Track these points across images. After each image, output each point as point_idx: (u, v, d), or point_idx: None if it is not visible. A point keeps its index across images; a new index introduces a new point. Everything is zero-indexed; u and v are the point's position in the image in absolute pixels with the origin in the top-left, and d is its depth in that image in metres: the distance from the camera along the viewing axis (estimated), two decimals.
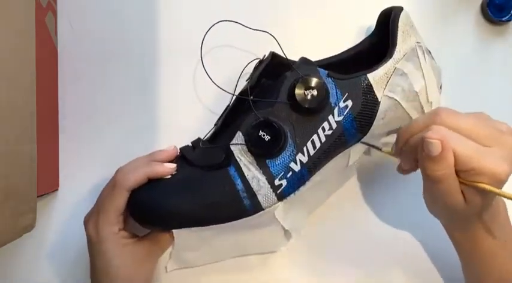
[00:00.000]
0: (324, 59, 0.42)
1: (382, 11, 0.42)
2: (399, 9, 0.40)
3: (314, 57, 0.41)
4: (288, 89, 0.36)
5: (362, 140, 0.39)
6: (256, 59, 0.42)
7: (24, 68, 0.33)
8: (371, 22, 0.44)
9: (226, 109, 0.41)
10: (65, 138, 0.47)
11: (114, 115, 0.47)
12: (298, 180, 0.37)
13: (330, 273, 0.45)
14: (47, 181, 0.44)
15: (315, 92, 0.36)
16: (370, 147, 0.40)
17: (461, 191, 0.33)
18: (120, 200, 0.37)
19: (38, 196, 0.36)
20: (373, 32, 0.43)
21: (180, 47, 0.47)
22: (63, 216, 0.46)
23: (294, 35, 0.46)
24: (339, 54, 0.43)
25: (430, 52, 0.41)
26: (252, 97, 0.38)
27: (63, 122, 0.47)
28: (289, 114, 0.37)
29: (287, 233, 0.41)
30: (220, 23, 0.41)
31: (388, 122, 0.38)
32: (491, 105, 0.46)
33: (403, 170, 0.38)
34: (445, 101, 0.46)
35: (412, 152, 0.34)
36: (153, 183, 0.38)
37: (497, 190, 0.32)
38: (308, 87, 0.36)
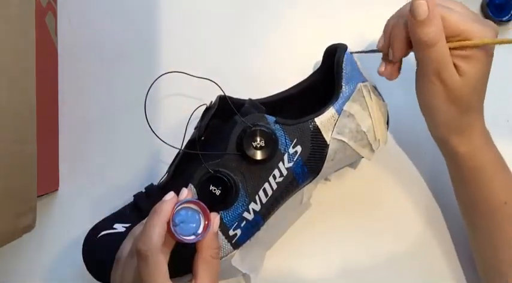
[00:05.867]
0: (272, 96, 0.42)
1: (327, 48, 0.41)
2: (343, 49, 0.39)
3: (264, 93, 0.42)
4: (236, 140, 0.36)
5: (353, 51, 0.39)
6: (203, 104, 0.41)
7: (24, 68, 0.33)
8: (318, 57, 0.43)
9: (177, 156, 0.41)
10: (65, 138, 0.47)
11: (114, 115, 0.47)
12: (252, 227, 0.38)
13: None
14: (47, 181, 0.44)
15: (263, 143, 0.36)
16: (363, 53, 0.39)
17: (454, 64, 0.34)
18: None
19: (38, 196, 0.36)
20: (319, 67, 0.42)
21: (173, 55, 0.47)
22: (63, 216, 0.46)
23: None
24: (287, 90, 0.43)
25: (376, 89, 0.40)
26: (200, 149, 0.37)
27: (63, 122, 0.47)
28: (239, 164, 0.36)
29: (245, 275, 0.42)
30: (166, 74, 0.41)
31: (338, 161, 0.39)
32: (491, 105, 0.46)
33: (390, 63, 0.37)
34: None
35: (402, 31, 0.35)
36: (106, 237, 0.38)
37: (494, 40, 0.33)
38: (256, 139, 0.36)
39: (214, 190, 0.36)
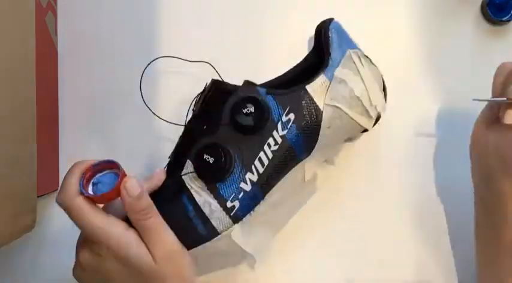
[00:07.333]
0: (270, 81, 0.42)
1: (316, 28, 0.41)
2: (329, 20, 0.40)
3: (260, 79, 0.41)
4: (229, 112, 0.37)
5: (476, 98, 0.38)
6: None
7: (24, 68, 0.33)
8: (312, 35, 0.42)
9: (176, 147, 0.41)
10: (65, 138, 0.47)
11: (114, 115, 0.47)
12: (251, 200, 0.37)
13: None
14: (47, 181, 0.44)
15: (252, 109, 0.37)
16: (488, 101, 0.38)
17: None
18: None
19: (38, 196, 0.36)
20: (313, 47, 0.42)
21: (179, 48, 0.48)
22: (63, 216, 0.46)
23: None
24: (283, 74, 0.43)
25: (368, 57, 0.40)
26: (197, 127, 0.38)
27: (63, 122, 0.47)
28: (233, 136, 0.37)
29: (250, 257, 0.39)
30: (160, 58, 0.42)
31: (335, 131, 0.39)
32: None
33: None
34: (445, 100, 0.46)
35: None
36: None
37: None
38: (246, 106, 0.37)
39: (208, 158, 0.36)
